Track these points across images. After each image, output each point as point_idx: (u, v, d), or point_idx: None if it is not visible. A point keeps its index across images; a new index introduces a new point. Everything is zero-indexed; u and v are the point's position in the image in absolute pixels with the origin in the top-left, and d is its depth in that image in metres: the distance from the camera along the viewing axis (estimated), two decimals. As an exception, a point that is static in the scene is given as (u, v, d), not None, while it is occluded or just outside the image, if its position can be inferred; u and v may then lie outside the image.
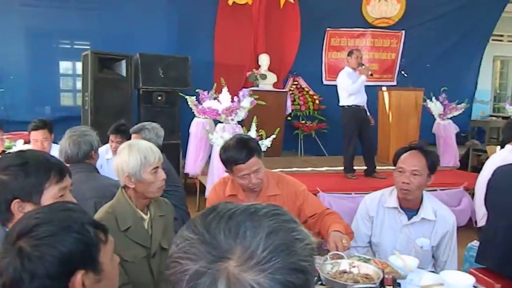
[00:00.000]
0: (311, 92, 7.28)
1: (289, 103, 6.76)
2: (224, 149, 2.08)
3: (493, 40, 9.72)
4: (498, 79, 10.67)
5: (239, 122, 4.17)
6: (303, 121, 7.19)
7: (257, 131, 3.86)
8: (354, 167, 5.10)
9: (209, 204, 2.33)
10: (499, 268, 2.62)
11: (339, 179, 5.10)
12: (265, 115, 6.16)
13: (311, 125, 7.16)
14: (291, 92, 7.17)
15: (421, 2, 7.33)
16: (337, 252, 1.72)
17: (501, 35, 9.67)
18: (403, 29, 7.76)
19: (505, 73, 10.16)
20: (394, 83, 7.66)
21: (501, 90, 10.52)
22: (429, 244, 2.15)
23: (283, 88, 7.05)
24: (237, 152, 2.02)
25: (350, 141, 4.95)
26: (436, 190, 4.69)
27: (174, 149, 5.45)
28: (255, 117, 3.93)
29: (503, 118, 8.41)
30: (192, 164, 5.22)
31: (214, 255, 0.56)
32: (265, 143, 3.77)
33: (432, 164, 2.13)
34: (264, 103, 4.53)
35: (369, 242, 2.28)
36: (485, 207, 3.11)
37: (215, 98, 4.64)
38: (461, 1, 7.40)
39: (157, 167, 1.82)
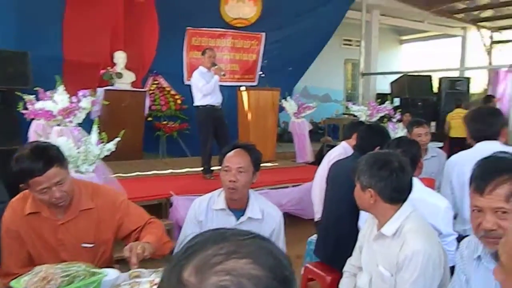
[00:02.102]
0: (172, 92, 7.08)
1: (147, 103, 6.48)
2: (16, 159, 1.71)
3: (344, 44, 10.67)
4: (350, 80, 11.76)
5: (79, 124, 3.80)
6: (165, 122, 6.97)
7: (100, 133, 3.55)
8: (212, 168, 5.06)
9: (5, 226, 1.94)
10: (330, 261, 2.76)
11: (197, 180, 5.02)
12: (122, 116, 5.83)
13: (173, 125, 6.96)
14: (151, 91, 6.89)
15: (277, 6, 7.59)
16: (136, 270, 1.57)
17: (350, 40, 10.65)
18: (263, 31, 7.99)
19: (356, 75, 11.19)
20: (255, 83, 7.84)
21: (352, 90, 11.60)
22: (257, 243, 2.13)
23: (142, 88, 6.74)
24: (32, 162, 1.68)
25: (206, 141, 4.91)
26: (288, 186, 4.89)
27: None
28: (97, 119, 3.61)
29: (354, 116, 9.24)
30: (33, 172, 4.64)
31: None
32: (108, 147, 3.48)
33: (256, 160, 2.14)
34: (107, 103, 4.21)
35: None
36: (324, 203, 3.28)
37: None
38: (310, 8, 7.82)
39: None
